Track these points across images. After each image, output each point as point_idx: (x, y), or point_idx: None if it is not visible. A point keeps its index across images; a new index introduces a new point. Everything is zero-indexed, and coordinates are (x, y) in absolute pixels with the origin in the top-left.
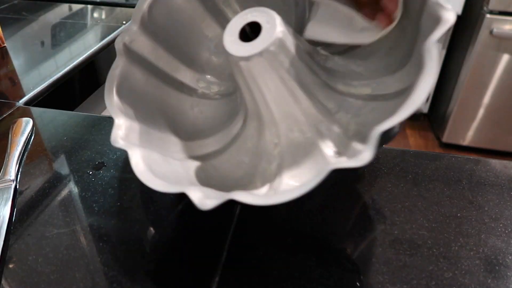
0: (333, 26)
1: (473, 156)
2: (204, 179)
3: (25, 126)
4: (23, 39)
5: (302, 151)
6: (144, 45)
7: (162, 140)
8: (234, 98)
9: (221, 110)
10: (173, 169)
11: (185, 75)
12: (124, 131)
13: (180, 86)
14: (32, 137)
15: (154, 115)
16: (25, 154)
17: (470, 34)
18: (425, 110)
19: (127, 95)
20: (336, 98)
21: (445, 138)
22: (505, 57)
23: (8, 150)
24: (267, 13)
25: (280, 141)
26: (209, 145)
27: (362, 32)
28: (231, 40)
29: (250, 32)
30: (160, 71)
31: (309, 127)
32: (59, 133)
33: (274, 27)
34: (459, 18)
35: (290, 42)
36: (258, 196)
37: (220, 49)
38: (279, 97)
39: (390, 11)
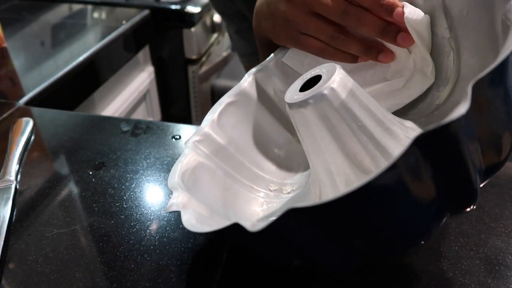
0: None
1: None
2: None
3: (25, 126)
4: (23, 39)
5: None
6: (214, 146)
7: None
8: None
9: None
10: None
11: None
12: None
13: (251, 189)
14: (32, 137)
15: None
16: (25, 154)
17: None
18: None
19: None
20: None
21: None
22: None
23: (8, 150)
24: (331, 65)
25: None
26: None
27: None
28: (290, 92)
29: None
30: (230, 174)
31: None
32: (59, 133)
33: (331, 75)
34: None
35: (351, 94)
36: None
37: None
38: (324, 151)
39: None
